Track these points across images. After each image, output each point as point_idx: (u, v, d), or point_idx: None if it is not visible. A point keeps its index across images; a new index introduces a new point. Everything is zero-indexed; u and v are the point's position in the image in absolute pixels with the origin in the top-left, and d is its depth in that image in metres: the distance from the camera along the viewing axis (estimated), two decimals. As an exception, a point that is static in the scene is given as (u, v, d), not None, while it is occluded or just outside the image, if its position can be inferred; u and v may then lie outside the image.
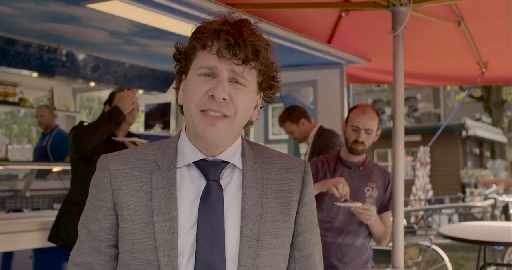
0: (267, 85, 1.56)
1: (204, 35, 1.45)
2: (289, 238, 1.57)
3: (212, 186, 1.50)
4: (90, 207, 1.55)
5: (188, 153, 1.54)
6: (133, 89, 4.20)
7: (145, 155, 1.56)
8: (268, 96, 1.60)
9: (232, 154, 1.56)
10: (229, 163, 1.55)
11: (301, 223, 1.59)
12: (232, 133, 1.52)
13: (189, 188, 1.52)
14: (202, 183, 1.51)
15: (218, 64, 1.44)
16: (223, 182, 1.53)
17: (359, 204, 3.23)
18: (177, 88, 1.60)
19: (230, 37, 1.41)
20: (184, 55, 1.53)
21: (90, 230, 1.52)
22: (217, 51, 1.42)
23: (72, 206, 4.04)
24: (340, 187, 3.19)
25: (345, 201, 3.28)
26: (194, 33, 1.49)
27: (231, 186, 1.54)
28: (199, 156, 1.53)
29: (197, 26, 1.51)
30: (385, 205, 3.53)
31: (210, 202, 1.48)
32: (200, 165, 1.53)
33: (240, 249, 1.47)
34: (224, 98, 1.43)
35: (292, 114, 5.38)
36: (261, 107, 1.61)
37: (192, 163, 1.53)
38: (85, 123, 4.11)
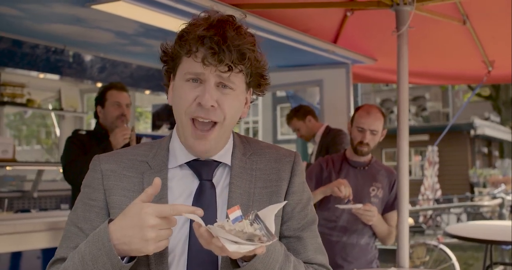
0: (256, 83, 1.56)
1: (188, 42, 1.43)
2: (278, 227, 1.56)
3: (205, 185, 1.51)
4: (81, 206, 1.54)
5: (180, 153, 1.55)
6: (128, 91, 4.12)
7: (137, 156, 1.57)
8: (258, 91, 1.60)
9: (224, 153, 1.57)
10: (221, 162, 1.56)
11: (287, 212, 1.58)
12: (223, 137, 1.52)
13: (182, 187, 1.52)
14: (195, 182, 1.52)
15: (204, 71, 1.42)
16: (215, 180, 1.53)
17: (359, 205, 3.25)
18: (166, 86, 1.59)
19: (214, 44, 1.39)
20: (171, 57, 1.52)
21: (81, 229, 1.50)
22: (202, 59, 1.41)
23: None
24: (342, 188, 3.21)
25: (348, 202, 3.30)
26: (178, 38, 1.48)
27: (222, 183, 1.54)
28: (192, 157, 1.54)
29: (181, 30, 1.49)
30: (390, 205, 3.53)
31: (204, 201, 1.48)
32: (193, 164, 1.54)
33: None
34: (212, 106, 1.43)
35: (299, 111, 5.54)
36: (251, 102, 1.60)
37: (185, 163, 1.54)
38: (81, 132, 4.06)
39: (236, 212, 1.25)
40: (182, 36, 1.47)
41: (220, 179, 1.55)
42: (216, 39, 1.40)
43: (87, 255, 1.33)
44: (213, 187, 1.52)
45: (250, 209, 1.50)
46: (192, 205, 1.48)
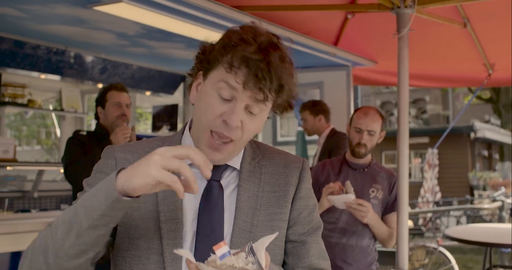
0: (282, 107, 1.53)
1: (232, 57, 1.40)
2: (285, 231, 1.58)
3: (213, 186, 1.51)
4: (91, 190, 1.47)
5: None
6: (128, 92, 4.14)
7: (150, 148, 1.52)
8: (280, 112, 1.56)
9: (235, 158, 1.57)
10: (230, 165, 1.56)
11: (293, 217, 1.59)
12: (236, 152, 1.52)
13: None
14: (203, 182, 1.51)
15: (240, 88, 1.39)
16: (223, 182, 1.53)
17: (352, 197, 3.23)
18: (193, 78, 1.55)
19: (259, 71, 1.37)
20: (207, 60, 1.47)
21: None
22: (243, 83, 1.38)
23: None
24: (331, 185, 3.28)
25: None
26: (222, 47, 1.43)
27: (232, 185, 1.54)
28: None
29: (226, 36, 1.45)
30: (390, 206, 3.52)
31: (211, 201, 1.49)
32: None
33: (232, 240, 1.48)
34: (237, 126, 1.42)
35: (316, 107, 5.47)
36: (268, 118, 1.57)
37: None
38: (81, 133, 4.08)
39: (223, 248, 1.23)
40: (226, 46, 1.42)
41: (229, 182, 1.55)
42: (262, 66, 1.37)
43: (90, 191, 1.31)
44: (221, 187, 1.52)
45: (257, 212, 1.52)
46: (200, 204, 1.49)
